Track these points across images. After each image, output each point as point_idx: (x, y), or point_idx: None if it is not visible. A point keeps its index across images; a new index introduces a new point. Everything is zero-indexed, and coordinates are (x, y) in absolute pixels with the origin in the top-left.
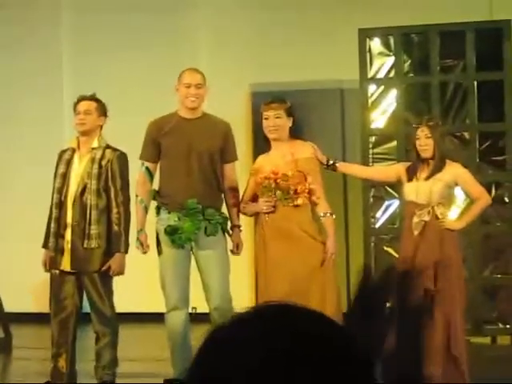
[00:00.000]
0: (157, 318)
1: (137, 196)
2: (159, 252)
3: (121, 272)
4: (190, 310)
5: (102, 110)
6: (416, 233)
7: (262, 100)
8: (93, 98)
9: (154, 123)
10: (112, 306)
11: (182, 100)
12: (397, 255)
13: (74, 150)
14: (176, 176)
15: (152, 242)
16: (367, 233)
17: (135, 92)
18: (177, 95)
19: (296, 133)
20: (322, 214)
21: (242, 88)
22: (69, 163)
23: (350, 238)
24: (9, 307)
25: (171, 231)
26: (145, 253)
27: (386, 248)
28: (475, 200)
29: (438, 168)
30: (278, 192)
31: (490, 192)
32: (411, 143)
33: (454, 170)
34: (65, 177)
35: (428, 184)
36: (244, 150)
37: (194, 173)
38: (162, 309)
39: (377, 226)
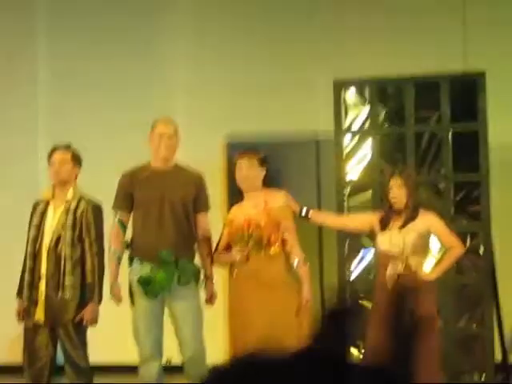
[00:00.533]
0: (132, 369)
1: (110, 247)
2: (132, 303)
3: (94, 322)
4: (164, 361)
5: (77, 160)
6: (390, 283)
7: (237, 150)
8: (67, 148)
9: (127, 175)
10: (86, 358)
11: (154, 150)
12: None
13: (48, 201)
14: (149, 227)
15: (125, 292)
16: (342, 284)
17: (108, 138)
18: (149, 145)
19: (271, 183)
20: (296, 262)
21: (218, 138)
22: (43, 215)
23: (325, 289)
24: None
25: (144, 282)
26: (118, 304)
27: (360, 301)
28: (448, 249)
29: (411, 217)
30: (251, 242)
31: (464, 242)
32: (384, 193)
33: (427, 220)
34: (39, 228)
35: (401, 234)
36: (219, 200)
37: (167, 223)
38: (136, 360)
39: (352, 277)
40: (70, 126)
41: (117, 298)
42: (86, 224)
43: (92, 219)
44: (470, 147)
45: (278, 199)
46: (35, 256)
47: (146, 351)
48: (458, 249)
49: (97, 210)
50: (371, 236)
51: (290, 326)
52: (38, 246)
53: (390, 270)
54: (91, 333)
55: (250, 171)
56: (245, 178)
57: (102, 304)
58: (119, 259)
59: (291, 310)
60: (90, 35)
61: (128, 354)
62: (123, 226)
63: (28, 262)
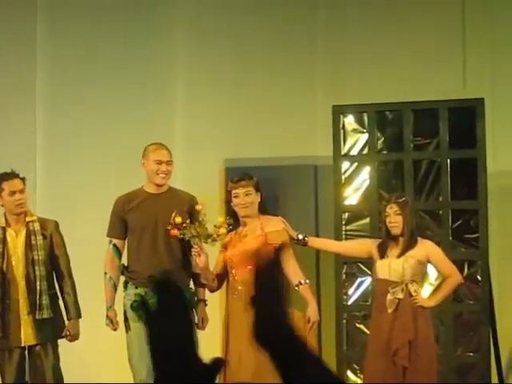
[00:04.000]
0: None
1: (105, 273)
2: (127, 328)
3: (77, 338)
4: None
5: (25, 185)
6: (390, 310)
7: (235, 175)
8: (18, 176)
9: (120, 200)
10: (61, 376)
11: (151, 176)
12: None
13: (3, 228)
14: (143, 251)
15: (120, 317)
16: (339, 309)
17: (105, 164)
18: (144, 171)
19: (269, 208)
20: (297, 283)
21: (216, 163)
22: (3, 241)
23: (323, 314)
24: None
25: (137, 306)
26: (115, 330)
27: (358, 325)
28: (446, 278)
29: (410, 246)
30: (249, 266)
31: (462, 270)
32: (381, 220)
33: (425, 248)
34: (3, 255)
35: (400, 261)
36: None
37: (161, 248)
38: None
39: (349, 302)
40: (65, 151)
41: (112, 324)
42: (56, 242)
43: (59, 236)
44: (468, 174)
45: (275, 224)
46: (4, 284)
47: (140, 376)
48: (455, 278)
49: (58, 227)
50: (369, 263)
51: None
52: (7, 273)
53: (390, 295)
54: (87, 355)
55: (247, 198)
56: (242, 205)
57: (99, 327)
58: (115, 285)
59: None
60: (86, 61)
61: (123, 376)
62: (118, 252)
63: None
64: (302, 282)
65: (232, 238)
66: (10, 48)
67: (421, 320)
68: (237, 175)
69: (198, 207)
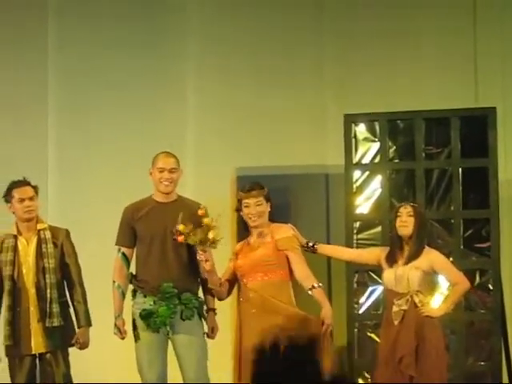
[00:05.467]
0: None
1: (114, 282)
2: (135, 337)
3: (86, 346)
4: None
5: (37, 193)
6: (396, 322)
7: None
8: (29, 183)
9: (129, 208)
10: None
11: (155, 184)
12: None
13: (15, 236)
14: (152, 260)
15: (129, 326)
16: (351, 318)
17: (114, 172)
18: (151, 179)
19: (280, 217)
20: (310, 287)
21: (227, 172)
22: (15, 249)
23: (334, 322)
24: None
25: (146, 315)
26: (123, 338)
27: (369, 334)
28: (454, 285)
29: (415, 255)
30: (260, 273)
31: (474, 279)
32: (391, 227)
33: (429, 257)
34: (14, 263)
35: (405, 272)
36: (228, 234)
37: (170, 256)
38: None
39: (360, 311)
40: (77, 160)
41: (121, 333)
42: (67, 250)
43: (70, 245)
44: (479, 183)
45: (285, 231)
46: (15, 292)
47: None
48: (463, 285)
49: (69, 236)
50: (380, 272)
51: None
52: (18, 281)
53: (395, 307)
54: (96, 362)
55: (258, 208)
56: (253, 215)
57: (107, 336)
58: (123, 294)
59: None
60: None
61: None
62: (127, 260)
63: (7, 300)
64: (316, 285)
65: (243, 247)
66: (22, 57)
67: (428, 329)
68: (247, 184)
69: (199, 212)
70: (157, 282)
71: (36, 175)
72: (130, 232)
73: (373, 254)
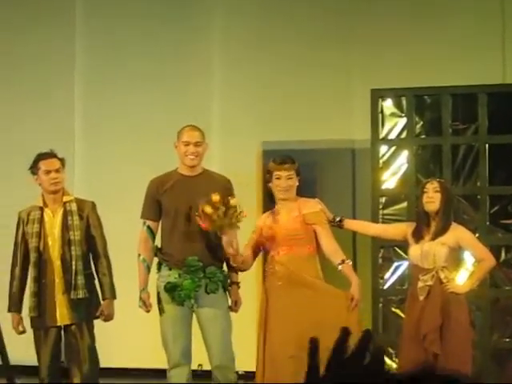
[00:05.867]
0: (160, 373)
1: (139, 255)
2: (160, 310)
3: (111, 318)
4: (196, 366)
5: (64, 165)
6: (421, 298)
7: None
8: (56, 156)
9: (154, 181)
10: (97, 356)
11: (181, 158)
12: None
13: (41, 208)
14: (177, 233)
15: (153, 299)
16: (375, 293)
17: (143, 147)
18: (176, 152)
19: (307, 191)
20: (339, 262)
21: (254, 146)
22: (41, 221)
23: None
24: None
25: (171, 288)
26: (148, 311)
27: (394, 309)
28: (479, 261)
29: (442, 231)
30: (287, 247)
31: (499, 255)
32: (419, 199)
33: (456, 233)
34: (40, 235)
35: (432, 248)
36: (254, 207)
37: (195, 230)
38: (164, 364)
39: (385, 287)
40: (103, 133)
41: (146, 306)
42: (93, 222)
43: (96, 217)
44: (506, 160)
45: (312, 206)
46: (40, 263)
47: (174, 358)
48: (488, 261)
49: (95, 208)
50: (406, 247)
51: (335, 327)
52: (44, 252)
53: (421, 283)
54: (121, 337)
55: (289, 181)
56: (283, 188)
57: (132, 309)
58: (148, 267)
59: (338, 309)
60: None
61: (157, 358)
62: (152, 233)
63: (33, 271)
64: (345, 260)
65: (268, 220)
66: (49, 30)
67: (453, 306)
68: (278, 157)
69: (232, 202)
70: (181, 255)
71: (63, 148)
72: (156, 205)
73: (398, 230)
